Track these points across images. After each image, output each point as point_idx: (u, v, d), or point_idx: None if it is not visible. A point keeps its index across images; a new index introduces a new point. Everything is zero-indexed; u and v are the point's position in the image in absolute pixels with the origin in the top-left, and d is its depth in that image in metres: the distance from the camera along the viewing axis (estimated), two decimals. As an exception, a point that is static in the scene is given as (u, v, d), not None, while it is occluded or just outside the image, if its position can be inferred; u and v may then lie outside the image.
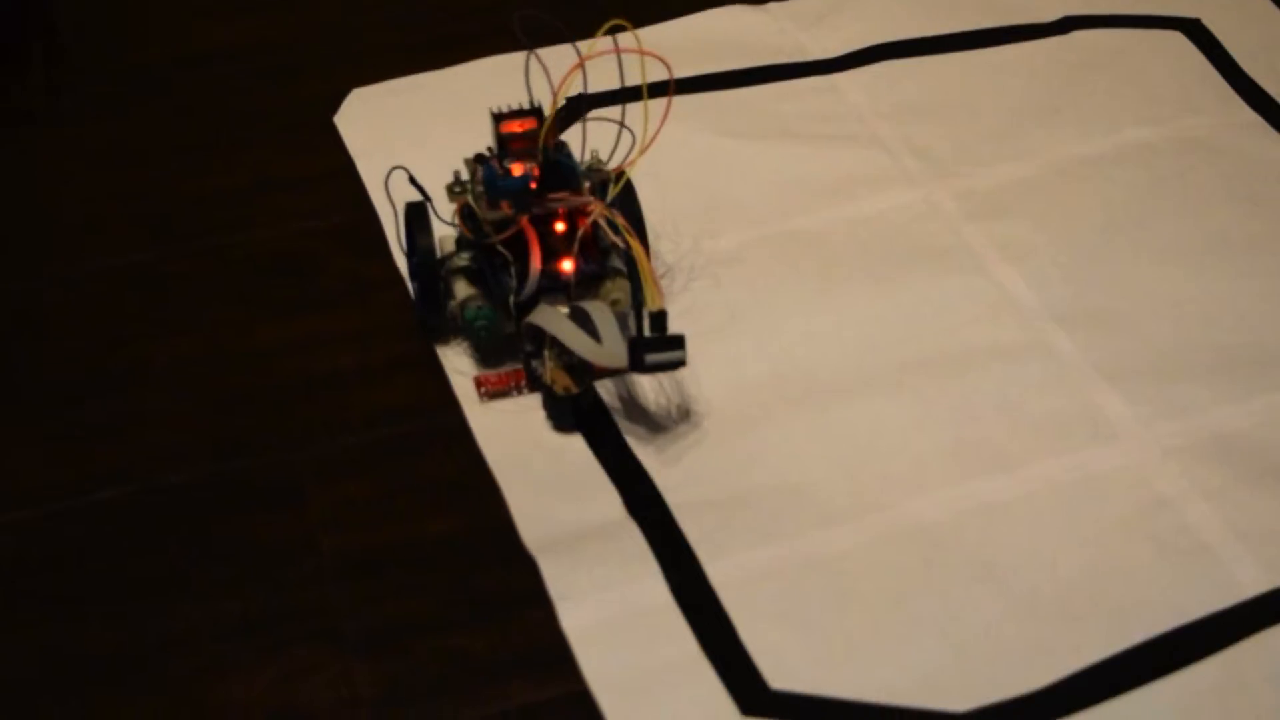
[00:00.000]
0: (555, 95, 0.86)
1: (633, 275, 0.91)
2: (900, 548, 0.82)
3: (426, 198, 0.93)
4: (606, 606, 0.81)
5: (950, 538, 0.83)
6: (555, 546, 0.84)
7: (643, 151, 0.89)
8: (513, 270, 0.89)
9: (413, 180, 0.93)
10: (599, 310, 0.88)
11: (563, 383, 0.88)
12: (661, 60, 0.84)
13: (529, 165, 0.89)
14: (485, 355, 0.94)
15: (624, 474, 0.88)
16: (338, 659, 0.79)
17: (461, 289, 0.91)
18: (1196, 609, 0.80)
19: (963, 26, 1.21)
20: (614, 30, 0.84)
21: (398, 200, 0.96)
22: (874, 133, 1.11)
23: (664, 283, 0.98)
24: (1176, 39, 1.19)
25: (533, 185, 0.89)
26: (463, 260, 0.92)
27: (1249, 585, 0.81)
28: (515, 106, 0.90)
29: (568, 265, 0.90)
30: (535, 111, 0.90)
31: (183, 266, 1.03)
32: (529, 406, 0.92)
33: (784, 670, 0.78)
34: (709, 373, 0.93)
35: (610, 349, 0.86)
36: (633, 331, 0.91)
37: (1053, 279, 0.99)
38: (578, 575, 0.83)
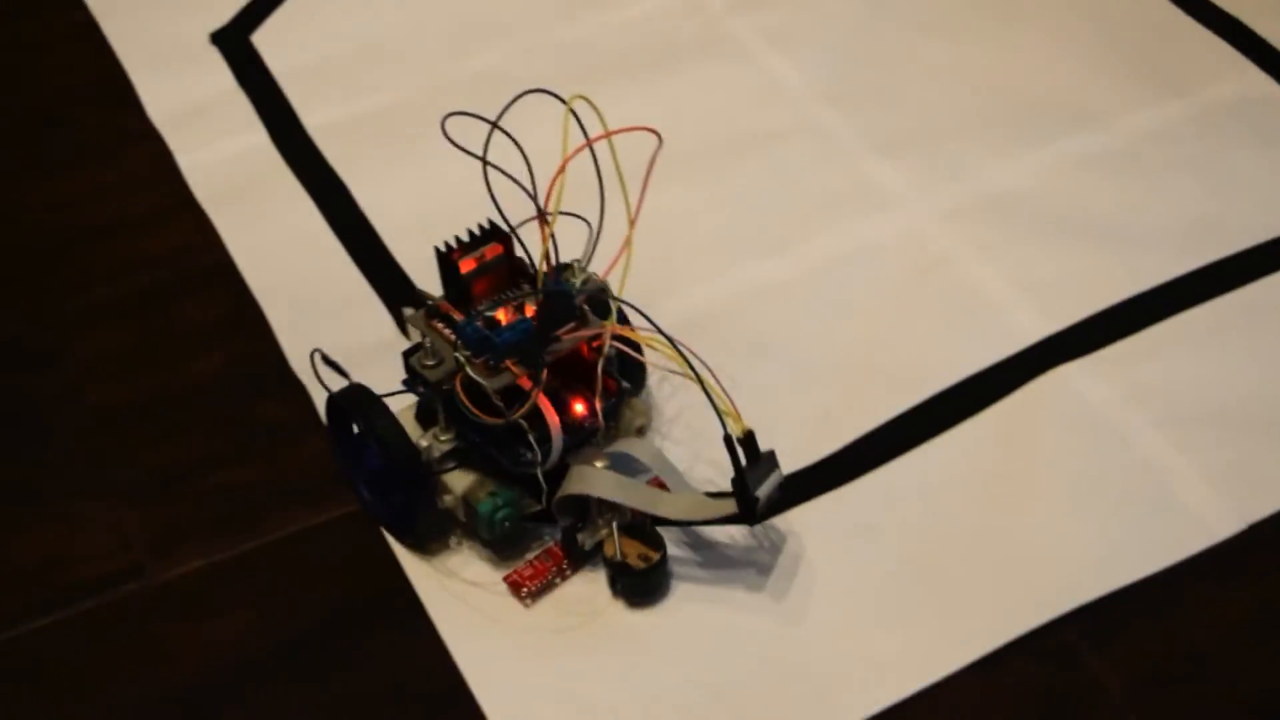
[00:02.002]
0: (547, 198, 0.68)
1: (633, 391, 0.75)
2: (682, 335, 0.80)
3: (344, 373, 0.73)
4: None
5: (727, 319, 0.81)
6: (324, 370, 0.80)
7: (627, 246, 0.70)
8: (531, 438, 0.68)
9: (330, 362, 0.73)
10: (641, 448, 0.73)
11: (638, 552, 0.70)
12: (653, 131, 0.68)
13: (512, 304, 0.70)
14: (502, 549, 0.73)
15: (391, 290, 0.85)
16: (111, 507, 0.76)
17: (457, 480, 0.71)
18: (980, 361, 0.79)
19: None
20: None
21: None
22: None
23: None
24: None
25: None
26: (444, 442, 0.71)
27: (1031, 332, 0.81)
28: (454, 239, 0.71)
29: (580, 408, 0.70)
30: (493, 234, 0.72)
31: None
32: (290, 237, 0.88)
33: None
34: (473, 177, 0.90)
35: (698, 499, 0.71)
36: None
37: (819, 61, 0.98)
38: (352, 398, 0.79)
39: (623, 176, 0.68)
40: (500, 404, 0.67)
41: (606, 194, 0.68)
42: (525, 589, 0.71)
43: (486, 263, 0.70)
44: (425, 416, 0.71)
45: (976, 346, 0.80)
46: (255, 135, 0.95)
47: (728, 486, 0.68)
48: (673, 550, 0.71)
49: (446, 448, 0.70)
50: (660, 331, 0.67)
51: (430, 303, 0.71)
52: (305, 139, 0.94)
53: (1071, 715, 0.67)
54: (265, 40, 1.01)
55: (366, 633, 0.70)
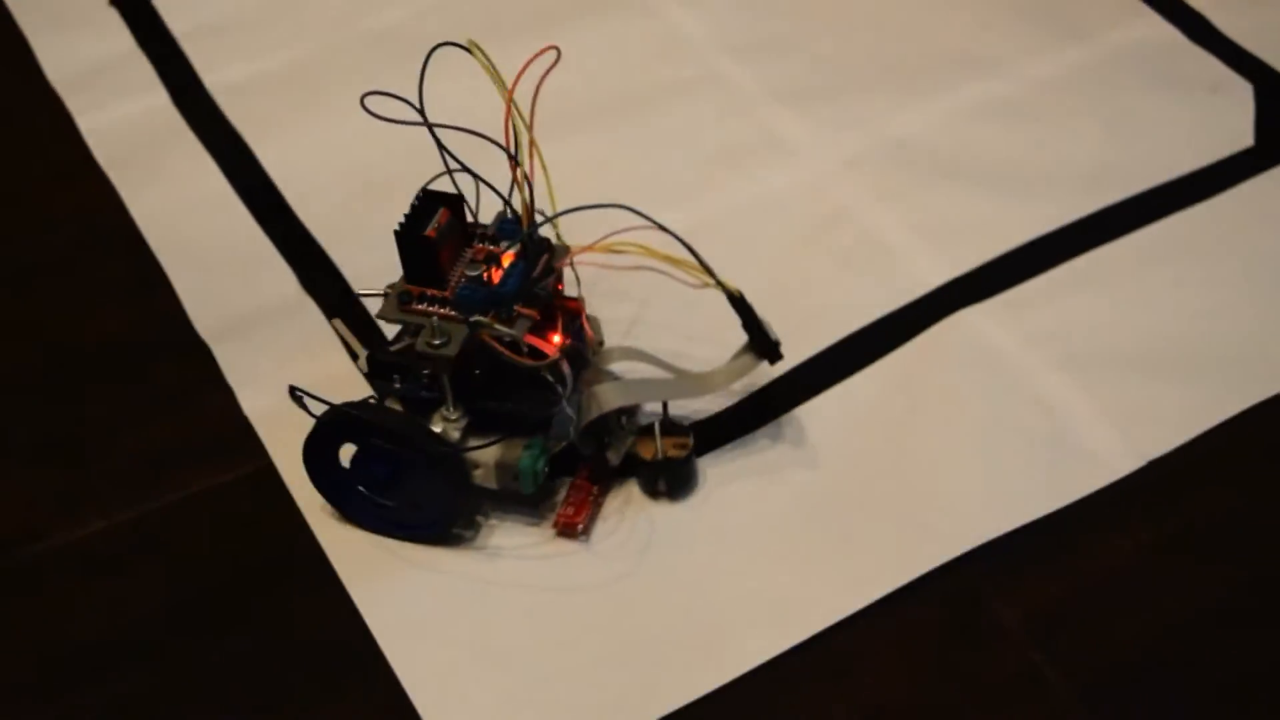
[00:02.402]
0: (507, 140, 0.66)
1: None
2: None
3: (323, 401, 0.69)
4: (287, 385, 0.77)
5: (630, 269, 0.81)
6: (230, 332, 0.80)
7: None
8: (548, 376, 0.68)
9: (301, 395, 0.69)
10: (635, 354, 0.74)
11: (673, 443, 0.72)
12: (554, 48, 0.69)
13: (487, 257, 0.69)
14: (539, 500, 0.73)
15: (295, 250, 0.85)
16: (11, 470, 0.75)
17: (483, 452, 0.69)
18: (881, 307, 0.80)
19: None
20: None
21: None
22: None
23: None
24: None
25: None
26: (457, 421, 0.69)
27: (931, 277, 0.81)
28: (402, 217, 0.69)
29: (558, 338, 0.70)
30: (439, 200, 0.69)
31: None
32: (192, 198, 0.87)
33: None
34: (377, 135, 0.89)
35: (718, 370, 0.72)
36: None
37: (721, 12, 0.98)
38: (256, 358, 0.79)
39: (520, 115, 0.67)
40: (525, 350, 0.67)
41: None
42: (579, 525, 0.71)
43: (443, 229, 0.68)
44: (410, 409, 0.70)
45: (878, 293, 0.81)
46: (155, 96, 0.94)
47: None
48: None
49: (462, 425, 0.69)
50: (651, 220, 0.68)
51: (389, 292, 0.69)
52: (207, 99, 0.94)
53: (972, 653, 0.68)
54: (165, 0, 1.00)
55: (272, 590, 0.70)
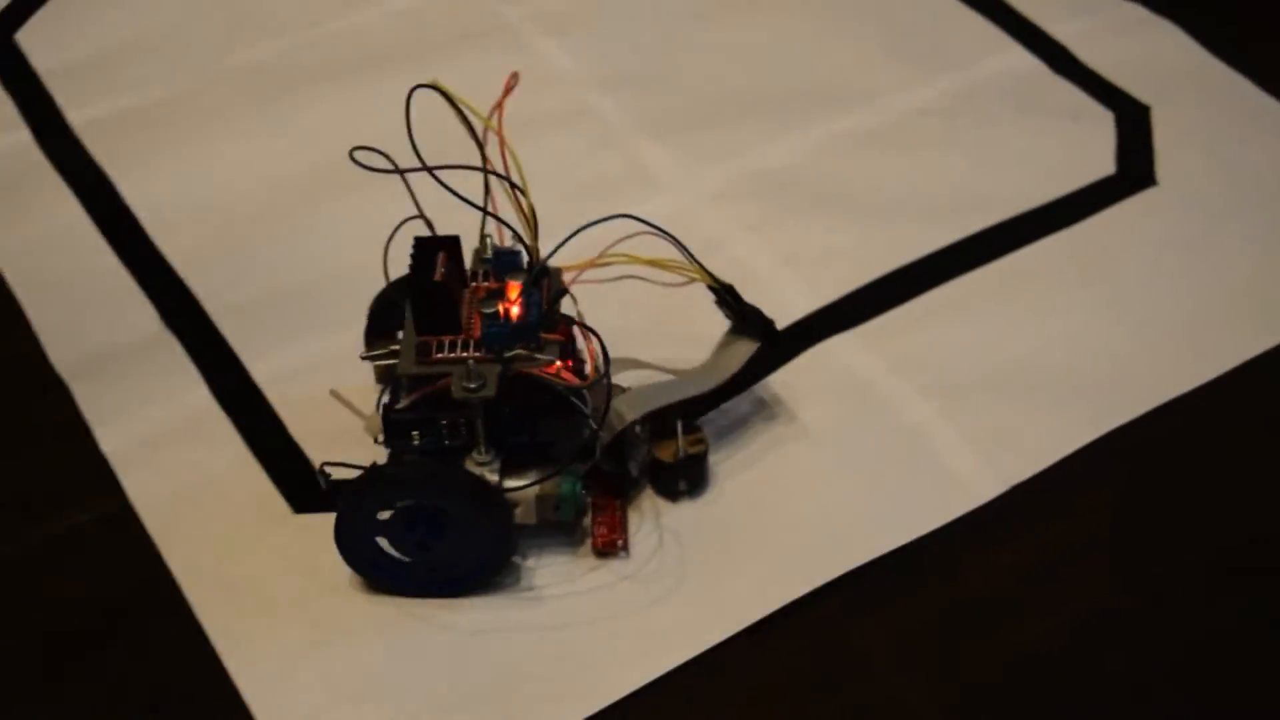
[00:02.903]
0: (506, 168, 0.67)
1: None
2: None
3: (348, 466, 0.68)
4: (147, 423, 0.77)
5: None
6: (88, 369, 0.79)
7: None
8: (575, 401, 0.68)
9: (325, 476, 0.69)
10: (632, 364, 0.75)
11: (689, 441, 0.73)
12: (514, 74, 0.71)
13: (489, 293, 0.68)
14: (576, 526, 0.72)
15: (157, 285, 0.83)
16: None
17: (543, 489, 0.68)
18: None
19: None
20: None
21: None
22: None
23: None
24: None
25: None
26: (491, 463, 0.68)
27: (799, 307, 0.82)
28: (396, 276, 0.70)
29: (559, 363, 0.68)
30: (436, 244, 0.68)
31: None
32: (53, 235, 0.86)
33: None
34: (244, 170, 0.89)
35: (720, 359, 0.74)
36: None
37: (592, 46, 0.98)
38: (115, 396, 0.78)
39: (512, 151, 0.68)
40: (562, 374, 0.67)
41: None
42: (619, 540, 0.71)
43: (448, 273, 0.67)
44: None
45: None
46: (18, 133, 0.92)
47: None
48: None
49: (497, 467, 0.68)
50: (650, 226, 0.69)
51: (395, 350, 0.69)
52: (70, 136, 0.92)
53: (838, 680, 0.68)
54: (29, 39, 0.99)
55: (130, 631, 0.69)
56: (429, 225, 0.70)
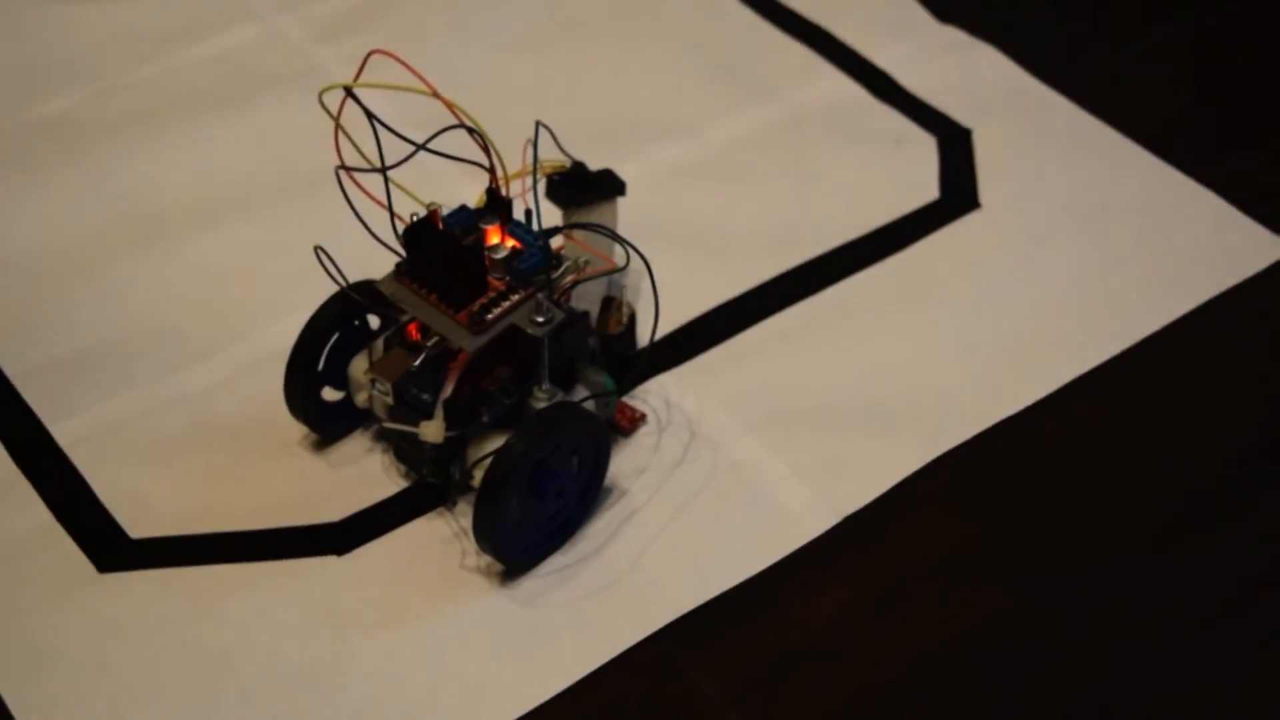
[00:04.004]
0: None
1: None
2: (265, 372, 0.77)
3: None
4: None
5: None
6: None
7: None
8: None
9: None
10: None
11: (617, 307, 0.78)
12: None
13: (479, 239, 0.70)
14: None
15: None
16: None
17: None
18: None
19: None
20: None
21: None
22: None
23: None
24: None
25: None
26: (548, 395, 0.71)
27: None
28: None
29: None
30: (424, 226, 0.69)
31: None
32: None
33: (147, 517, 0.73)
34: (42, 223, 0.87)
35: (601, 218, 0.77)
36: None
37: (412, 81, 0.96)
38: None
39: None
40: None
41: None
42: (639, 415, 0.77)
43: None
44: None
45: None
46: None
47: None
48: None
49: (560, 395, 0.71)
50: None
51: (440, 327, 0.69)
52: None
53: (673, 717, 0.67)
54: None
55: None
56: (386, 223, 0.70)
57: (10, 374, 0.79)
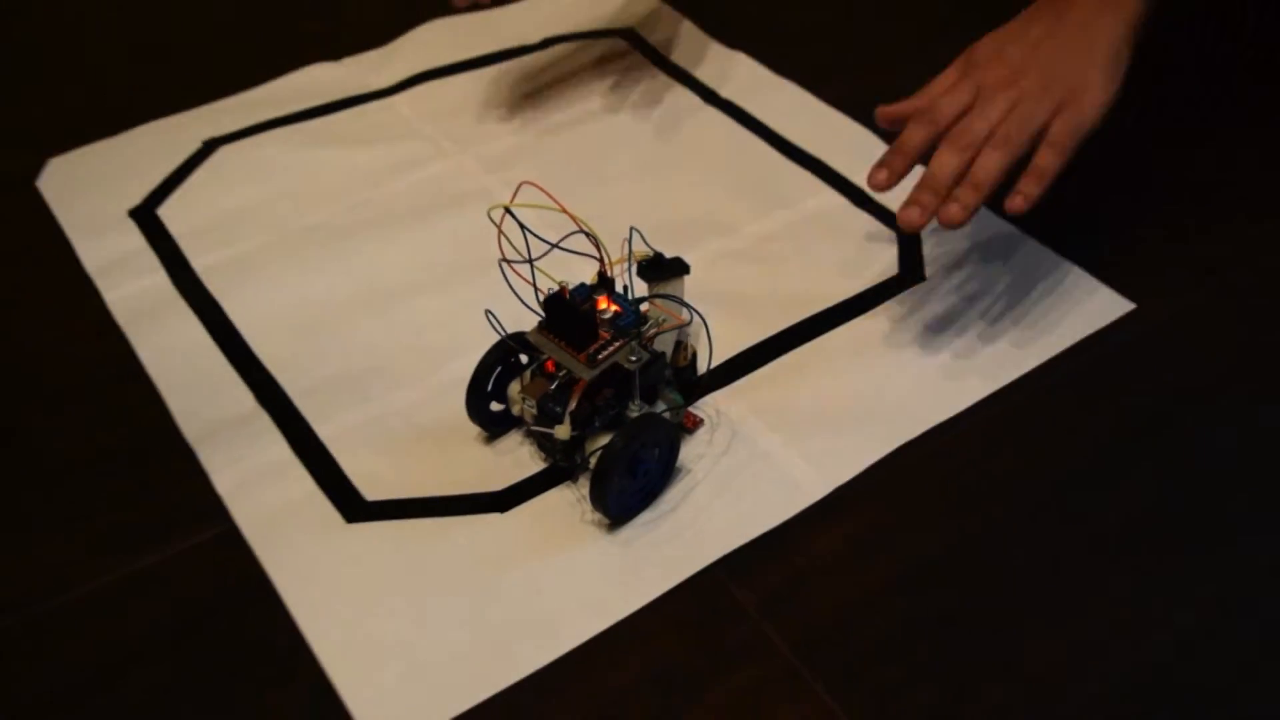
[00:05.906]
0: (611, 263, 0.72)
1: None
2: (453, 392, 0.78)
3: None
4: (247, 470, 0.75)
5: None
6: (206, 436, 0.78)
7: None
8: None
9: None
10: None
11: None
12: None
13: (599, 294, 0.72)
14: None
15: (252, 377, 0.82)
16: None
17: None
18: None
19: (474, 53, 1.15)
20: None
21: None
22: (418, 130, 1.05)
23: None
24: (617, 42, 1.17)
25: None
26: (639, 404, 0.71)
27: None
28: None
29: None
30: (556, 300, 0.70)
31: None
32: (182, 345, 0.84)
33: (378, 486, 0.74)
34: (310, 294, 0.88)
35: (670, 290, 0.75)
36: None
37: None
38: (224, 453, 0.76)
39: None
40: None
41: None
42: (700, 418, 0.77)
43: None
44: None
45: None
46: (157, 276, 0.91)
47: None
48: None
49: (645, 408, 0.71)
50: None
51: (562, 376, 0.71)
52: (194, 277, 0.91)
53: (721, 628, 0.67)
54: (167, 212, 0.97)
55: (230, 614, 0.67)
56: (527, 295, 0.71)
57: (290, 393, 0.80)
